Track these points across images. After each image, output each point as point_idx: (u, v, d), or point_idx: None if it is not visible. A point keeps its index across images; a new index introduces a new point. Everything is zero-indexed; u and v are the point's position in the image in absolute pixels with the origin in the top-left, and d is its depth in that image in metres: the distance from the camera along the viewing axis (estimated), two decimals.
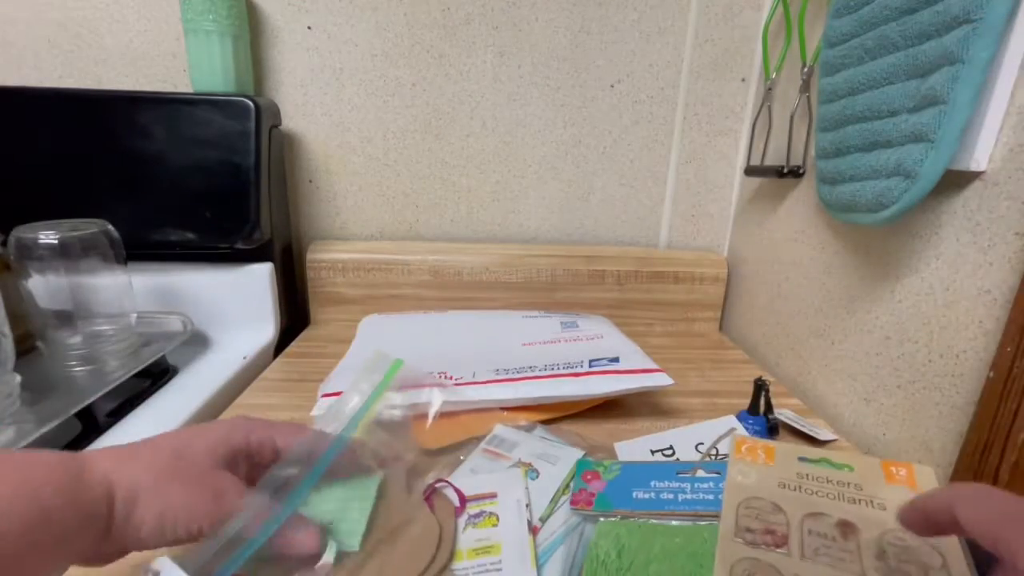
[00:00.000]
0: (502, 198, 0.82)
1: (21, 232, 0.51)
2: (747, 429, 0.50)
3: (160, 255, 0.67)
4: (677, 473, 0.41)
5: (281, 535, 0.30)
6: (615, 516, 0.37)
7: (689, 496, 0.38)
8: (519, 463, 0.44)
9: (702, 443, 0.48)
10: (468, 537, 0.35)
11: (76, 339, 0.55)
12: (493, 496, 0.39)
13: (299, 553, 0.30)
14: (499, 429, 0.49)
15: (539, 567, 0.34)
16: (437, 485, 0.39)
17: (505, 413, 0.52)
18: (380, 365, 0.48)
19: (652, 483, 0.39)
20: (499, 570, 0.33)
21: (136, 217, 0.63)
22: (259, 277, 0.70)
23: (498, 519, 0.37)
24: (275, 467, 0.32)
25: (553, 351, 0.61)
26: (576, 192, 0.83)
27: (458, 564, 0.33)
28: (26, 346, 0.53)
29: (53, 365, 0.54)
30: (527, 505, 0.38)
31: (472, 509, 0.38)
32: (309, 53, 0.74)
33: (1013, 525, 0.21)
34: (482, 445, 0.47)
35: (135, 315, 0.59)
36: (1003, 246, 0.40)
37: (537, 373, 0.54)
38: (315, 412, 0.50)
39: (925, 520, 0.25)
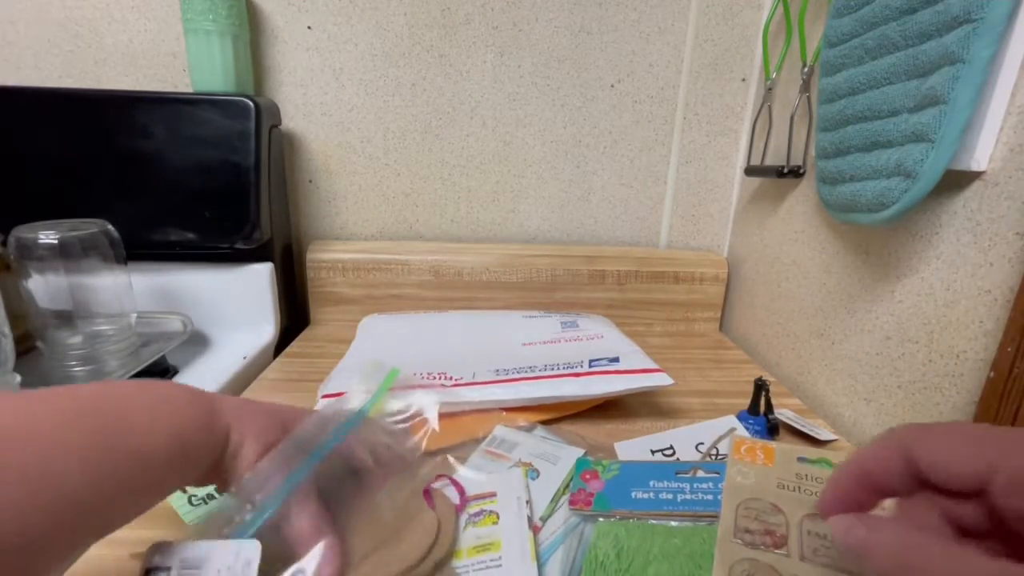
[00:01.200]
0: (502, 198, 0.82)
1: (21, 232, 0.51)
2: (747, 429, 0.50)
3: (160, 255, 0.67)
4: (676, 473, 0.41)
5: (286, 517, 0.31)
6: (614, 516, 0.37)
7: (688, 496, 0.38)
8: (519, 463, 0.44)
9: (702, 443, 0.48)
10: (468, 536, 0.35)
11: (76, 339, 0.55)
12: (493, 495, 0.39)
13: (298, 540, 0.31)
14: (499, 430, 0.49)
15: (540, 564, 0.34)
16: (436, 484, 0.39)
17: (505, 414, 0.52)
18: (377, 374, 0.48)
19: (651, 483, 0.39)
20: (499, 566, 0.33)
21: (136, 217, 0.63)
22: (259, 277, 0.70)
23: (498, 517, 0.37)
24: (287, 439, 0.34)
25: (553, 351, 0.60)
26: (576, 192, 0.83)
27: (458, 562, 0.33)
28: (26, 346, 0.53)
29: (53, 365, 0.54)
30: (527, 502, 0.38)
31: (472, 509, 0.38)
32: (309, 53, 0.74)
33: (1001, 444, 0.18)
34: (482, 446, 0.47)
35: (135, 315, 0.59)
36: (1003, 246, 0.40)
37: (537, 373, 0.54)
38: None
39: (861, 487, 0.21)
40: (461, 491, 0.39)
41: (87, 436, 0.24)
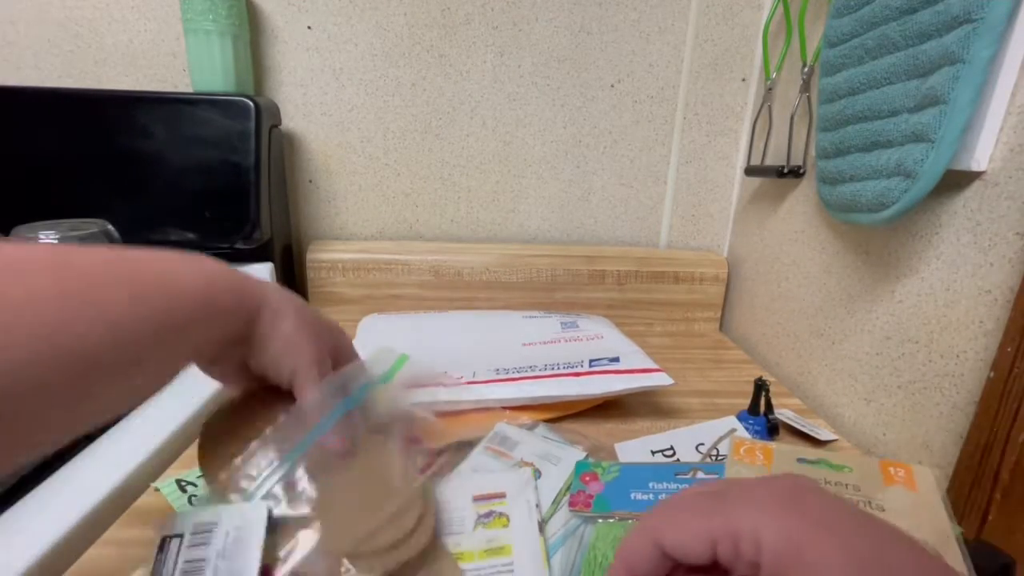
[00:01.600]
0: (502, 198, 0.82)
1: (21, 232, 0.51)
2: (747, 429, 0.50)
3: None
4: (675, 474, 0.40)
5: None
6: (613, 518, 0.37)
7: None
8: (521, 462, 0.44)
9: (702, 444, 0.48)
10: (479, 537, 0.35)
11: None
12: (502, 496, 0.38)
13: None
14: (501, 427, 0.49)
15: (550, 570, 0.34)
16: (414, 441, 0.39)
17: (506, 413, 0.52)
18: (385, 359, 0.47)
19: (650, 485, 0.39)
20: (511, 571, 0.33)
21: (136, 217, 0.63)
22: (259, 277, 0.70)
23: (508, 519, 0.36)
24: (337, 374, 0.35)
25: (553, 351, 0.60)
26: (576, 192, 0.83)
27: (469, 564, 0.33)
28: None
29: None
30: (537, 506, 0.38)
31: (481, 509, 0.37)
32: (309, 53, 0.74)
33: (722, 516, 0.19)
34: (484, 443, 0.46)
35: None
36: (1003, 246, 0.40)
37: (537, 373, 0.54)
38: None
39: None
40: (431, 453, 0.39)
41: (118, 275, 0.24)
